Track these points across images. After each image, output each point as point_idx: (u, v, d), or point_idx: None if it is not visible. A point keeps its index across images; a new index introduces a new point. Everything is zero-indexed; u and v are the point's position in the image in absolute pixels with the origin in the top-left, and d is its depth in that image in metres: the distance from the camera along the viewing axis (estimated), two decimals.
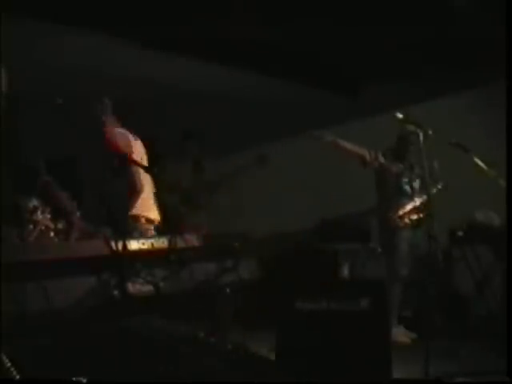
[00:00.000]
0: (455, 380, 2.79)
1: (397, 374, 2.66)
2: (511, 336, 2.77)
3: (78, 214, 3.20)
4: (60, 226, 3.10)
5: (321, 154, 4.35)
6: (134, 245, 2.95)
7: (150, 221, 3.48)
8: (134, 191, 3.43)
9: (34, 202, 3.01)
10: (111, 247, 2.80)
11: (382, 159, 4.22)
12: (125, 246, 2.85)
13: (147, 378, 2.52)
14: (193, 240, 3.61)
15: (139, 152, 3.57)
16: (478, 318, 4.28)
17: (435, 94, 5.51)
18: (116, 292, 2.72)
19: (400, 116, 3.26)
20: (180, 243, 3.43)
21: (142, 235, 3.30)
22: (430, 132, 3.25)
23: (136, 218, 3.41)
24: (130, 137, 3.54)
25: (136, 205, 3.43)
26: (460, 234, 4.48)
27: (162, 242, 3.19)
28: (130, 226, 3.37)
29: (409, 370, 2.94)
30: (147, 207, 3.51)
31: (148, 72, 5.00)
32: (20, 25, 3.77)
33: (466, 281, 4.45)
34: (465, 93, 5.47)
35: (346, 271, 5.05)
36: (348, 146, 4.18)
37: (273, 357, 2.94)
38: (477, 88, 5.29)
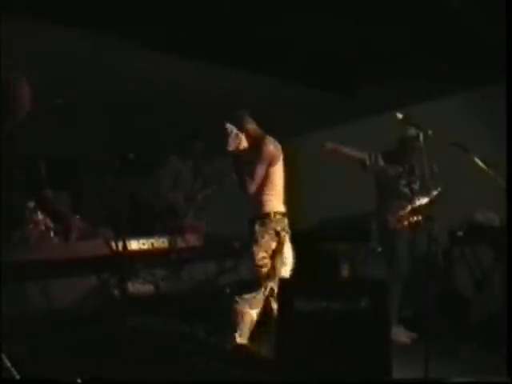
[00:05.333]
0: (455, 380, 2.79)
1: (397, 374, 2.65)
2: (511, 336, 2.78)
3: (78, 216, 3.20)
4: (60, 226, 3.11)
5: (321, 153, 4.34)
6: (133, 245, 2.96)
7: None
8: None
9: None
10: (111, 247, 2.81)
11: (381, 162, 4.22)
12: (125, 246, 2.86)
13: (147, 378, 2.52)
14: (193, 240, 3.61)
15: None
16: (478, 317, 4.28)
17: (435, 94, 5.51)
18: (116, 292, 2.73)
19: (400, 116, 3.25)
20: (180, 243, 3.44)
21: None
22: (430, 132, 3.25)
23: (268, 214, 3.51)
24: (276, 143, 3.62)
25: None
26: (460, 234, 4.48)
27: (162, 242, 3.20)
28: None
29: (409, 370, 2.94)
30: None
31: (148, 72, 5.00)
32: (19, 25, 3.78)
33: (465, 281, 4.45)
34: (465, 93, 5.47)
35: (345, 271, 5.05)
36: (348, 151, 4.18)
37: (273, 357, 2.94)
38: (477, 88, 5.29)
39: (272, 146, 3.55)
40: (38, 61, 4.23)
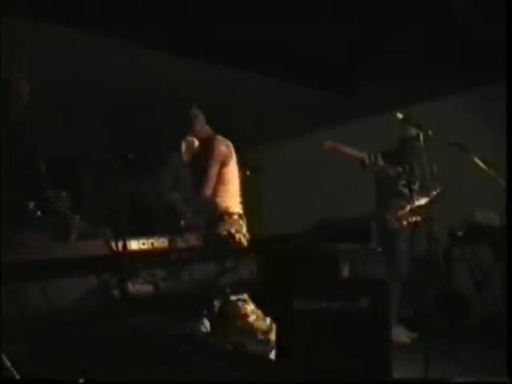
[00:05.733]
0: (455, 380, 2.79)
1: (397, 374, 2.65)
2: (511, 336, 2.77)
3: (78, 216, 3.20)
4: (60, 226, 3.11)
5: (321, 153, 4.35)
6: (133, 245, 2.96)
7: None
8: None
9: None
10: (111, 247, 2.80)
11: (381, 162, 4.22)
12: (125, 246, 2.86)
13: (147, 378, 2.52)
14: (193, 240, 3.61)
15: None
16: (478, 317, 4.28)
17: (435, 93, 5.51)
18: (116, 292, 2.72)
19: (400, 116, 3.26)
20: (180, 243, 3.44)
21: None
22: (430, 132, 3.25)
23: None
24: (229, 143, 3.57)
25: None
26: (460, 234, 4.48)
27: (161, 242, 3.19)
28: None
29: (409, 370, 2.94)
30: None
31: (150, 72, 5.01)
32: (20, 25, 3.78)
33: (465, 281, 4.45)
34: (465, 93, 5.47)
35: (346, 271, 5.05)
36: (347, 150, 4.18)
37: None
38: (477, 88, 5.29)
39: (223, 146, 3.48)
40: (38, 61, 4.24)
